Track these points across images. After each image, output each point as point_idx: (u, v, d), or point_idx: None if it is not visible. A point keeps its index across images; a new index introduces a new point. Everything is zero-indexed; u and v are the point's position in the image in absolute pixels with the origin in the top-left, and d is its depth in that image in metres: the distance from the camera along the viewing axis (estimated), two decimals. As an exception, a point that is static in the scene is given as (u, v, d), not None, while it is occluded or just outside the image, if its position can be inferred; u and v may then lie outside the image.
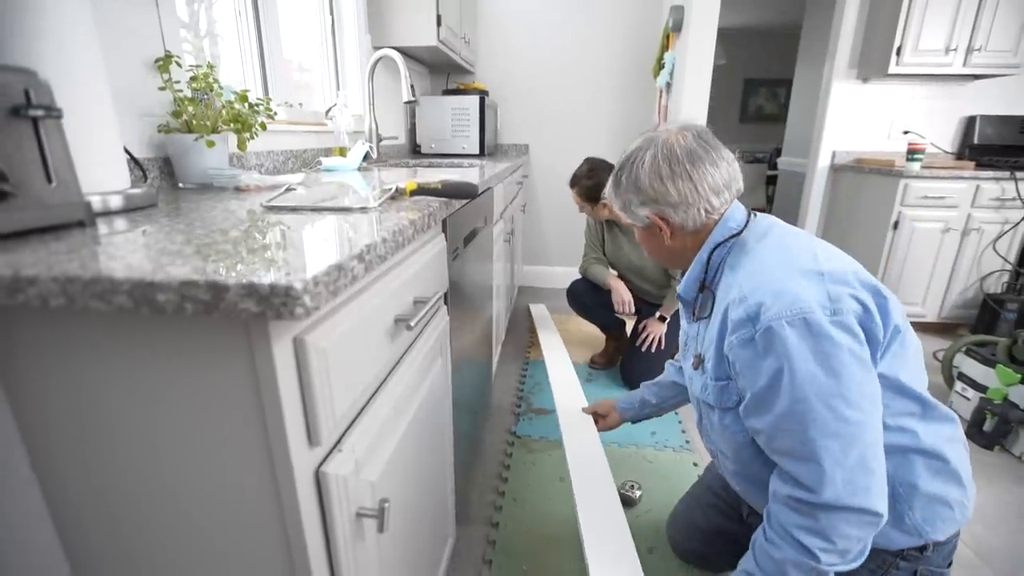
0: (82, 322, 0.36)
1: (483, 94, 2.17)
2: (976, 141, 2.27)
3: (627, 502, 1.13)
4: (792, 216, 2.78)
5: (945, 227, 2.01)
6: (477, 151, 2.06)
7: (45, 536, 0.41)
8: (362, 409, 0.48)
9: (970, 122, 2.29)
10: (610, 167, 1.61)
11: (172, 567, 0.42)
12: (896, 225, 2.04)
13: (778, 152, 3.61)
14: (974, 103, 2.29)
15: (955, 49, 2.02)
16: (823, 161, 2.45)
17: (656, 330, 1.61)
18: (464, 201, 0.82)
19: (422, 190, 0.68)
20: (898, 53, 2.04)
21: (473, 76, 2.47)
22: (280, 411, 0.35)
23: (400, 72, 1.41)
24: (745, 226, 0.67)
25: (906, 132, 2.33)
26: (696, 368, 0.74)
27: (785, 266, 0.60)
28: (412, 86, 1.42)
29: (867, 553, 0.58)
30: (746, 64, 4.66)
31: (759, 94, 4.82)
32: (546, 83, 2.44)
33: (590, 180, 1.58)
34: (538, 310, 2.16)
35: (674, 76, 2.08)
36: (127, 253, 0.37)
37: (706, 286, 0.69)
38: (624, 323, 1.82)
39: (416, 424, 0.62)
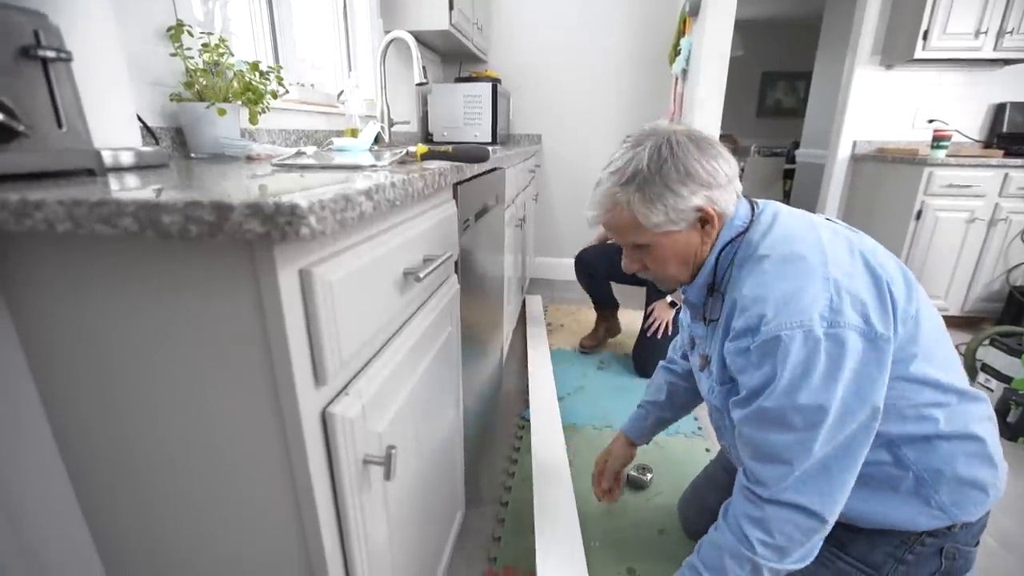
0: (89, 251, 0.35)
1: (496, 82, 2.16)
2: (1005, 129, 2.18)
3: (638, 485, 1.11)
4: (811, 208, 2.70)
5: (971, 217, 1.94)
6: (489, 139, 2.04)
7: (51, 463, 0.41)
8: (368, 361, 0.47)
9: (999, 109, 2.21)
10: None
11: (179, 503, 0.41)
12: (919, 215, 1.97)
13: (796, 146, 3.54)
14: (1004, 90, 2.20)
15: (985, 32, 1.94)
16: (843, 152, 2.39)
17: (664, 316, 1.58)
18: (475, 170, 0.80)
19: (433, 154, 0.67)
20: (924, 37, 1.98)
21: (486, 65, 2.45)
22: (286, 344, 0.34)
23: (412, 54, 1.40)
24: (751, 221, 0.62)
25: (931, 121, 2.26)
26: (703, 369, 0.72)
27: (788, 268, 0.56)
28: (424, 68, 1.41)
29: (811, 557, 0.57)
30: (764, 57, 4.57)
31: (777, 88, 4.72)
32: (559, 72, 2.42)
33: None
34: (532, 303, 2.16)
35: (690, 63, 2.04)
36: (136, 196, 0.37)
37: (716, 288, 0.65)
38: (617, 305, 1.81)
39: (424, 387, 0.61)
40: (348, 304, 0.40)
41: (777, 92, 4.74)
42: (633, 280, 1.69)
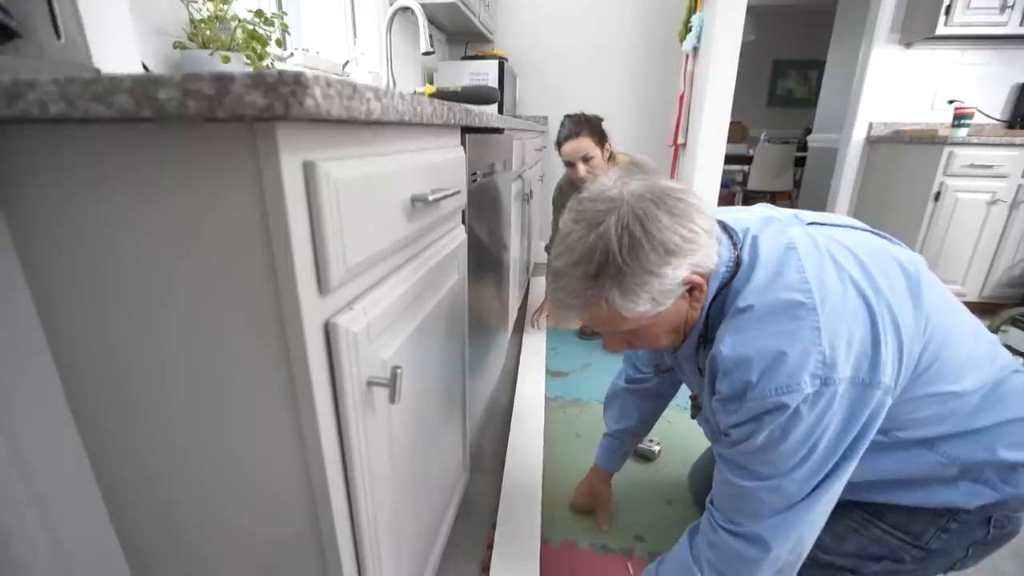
0: (82, 144, 0.33)
1: (503, 60, 2.13)
2: (1028, 110, 2.12)
3: (647, 456, 1.09)
4: (823, 194, 2.66)
5: (992, 198, 1.89)
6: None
7: (45, 372, 0.39)
8: (373, 286, 0.45)
9: (1023, 90, 2.15)
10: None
11: (172, 416, 0.40)
12: (937, 196, 1.92)
13: (808, 132, 3.47)
14: (1027, 70, 2.14)
15: (1012, 6, 1.88)
16: (858, 134, 2.34)
17: None
18: (484, 121, 0.78)
19: (441, 94, 0.65)
20: (947, 12, 1.92)
21: (492, 45, 2.42)
22: (288, 242, 0.32)
23: (419, 22, 1.38)
24: (735, 264, 0.55)
25: (951, 102, 2.20)
26: (693, 417, 0.69)
27: (773, 321, 0.50)
28: (431, 36, 1.38)
29: None
30: (776, 45, 4.49)
31: (789, 77, 4.64)
32: (567, 52, 2.38)
33: (589, 119, 1.44)
34: (537, 283, 2.14)
35: (701, 40, 2.00)
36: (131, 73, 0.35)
37: (708, 339, 0.59)
38: None
39: (430, 327, 0.59)
40: (353, 209, 0.38)
41: (788, 81, 4.66)
42: None
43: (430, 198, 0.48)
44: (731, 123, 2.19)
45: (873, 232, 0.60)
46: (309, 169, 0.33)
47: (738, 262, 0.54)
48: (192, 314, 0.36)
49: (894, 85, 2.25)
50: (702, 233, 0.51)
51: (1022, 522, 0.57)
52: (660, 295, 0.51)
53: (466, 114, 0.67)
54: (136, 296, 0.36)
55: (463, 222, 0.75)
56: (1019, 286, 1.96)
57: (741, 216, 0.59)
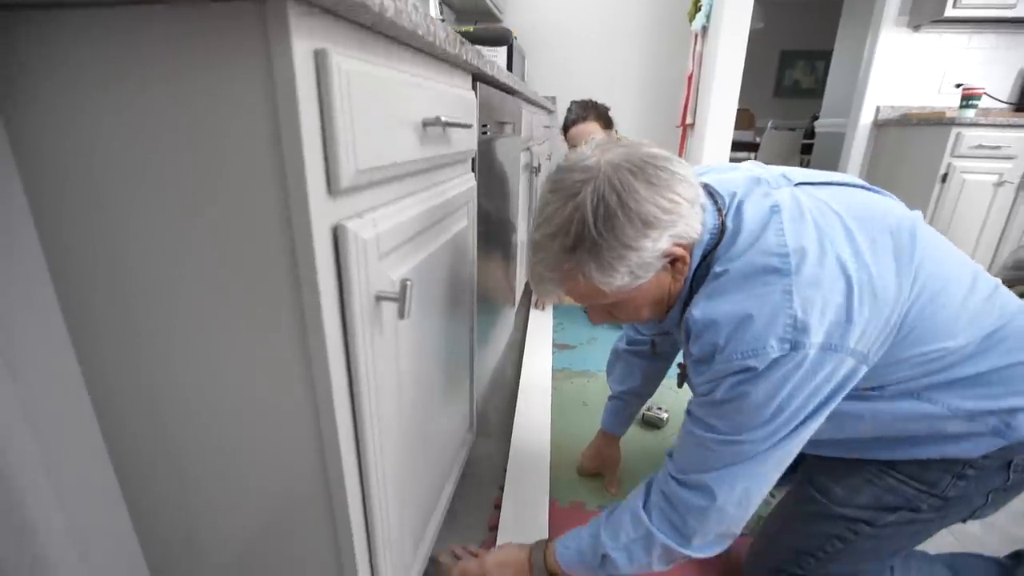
0: (80, 31, 0.32)
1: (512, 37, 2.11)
2: (1037, 95, 2.10)
3: (655, 424, 1.09)
4: (828, 180, 2.64)
5: (999, 180, 1.88)
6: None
7: (40, 281, 0.38)
8: (383, 204, 0.44)
9: (1031, 74, 2.13)
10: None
11: (174, 331, 0.38)
12: (945, 178, 1.91)
13: (815, 119, 3.45)
14: (1036, 53, 2.12)
15: (1021, -13, 1.86)
16: (865, 118, 2.32)
17: None
18: (495, 72, 0.77)
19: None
20: (956, -8, 1.90)
21: (501, 22, 2.40)
22: (297, 129, 0.31)
23: (426, -8, 1.36)
24: (720, 231, 0.53)
25: (958, 85, 2.18)
26: (681, 372, 0.68)
27: (744, 285, 0.49)
28: (441, 2, 1.37)
29: (714, 550, 0.56)
30: (783, 35, 4.46)
31: (796, 67, 4.61)
32: (575, 31, 2.36)
33: (596, 105, 1.47)
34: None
35: (711, 19, 1.97)
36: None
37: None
38: None
39: (437, 266, 0.58)
40: (364, 109, 0.36)
41: (795, 72, 4.63)
42: None
43: (443, 119, 0.47)
44: (739, 110, 2.17)
45: (868, 188, 0.58)
46: (321, 57, 0.32)
47: (723, 229, 0.52)
48: (195, 214, 0.35)
49: (902, 69, 2.23)
50: (684, 203, 0.49)
51: None
52: (639, 268, 0.49)
53: (478, 57, 0.65)
54: (136, 194, 0.35)
55: (473, 170, 0.74)
56: (1025, 270, 1.94)
57: (727, 178, 0.57)
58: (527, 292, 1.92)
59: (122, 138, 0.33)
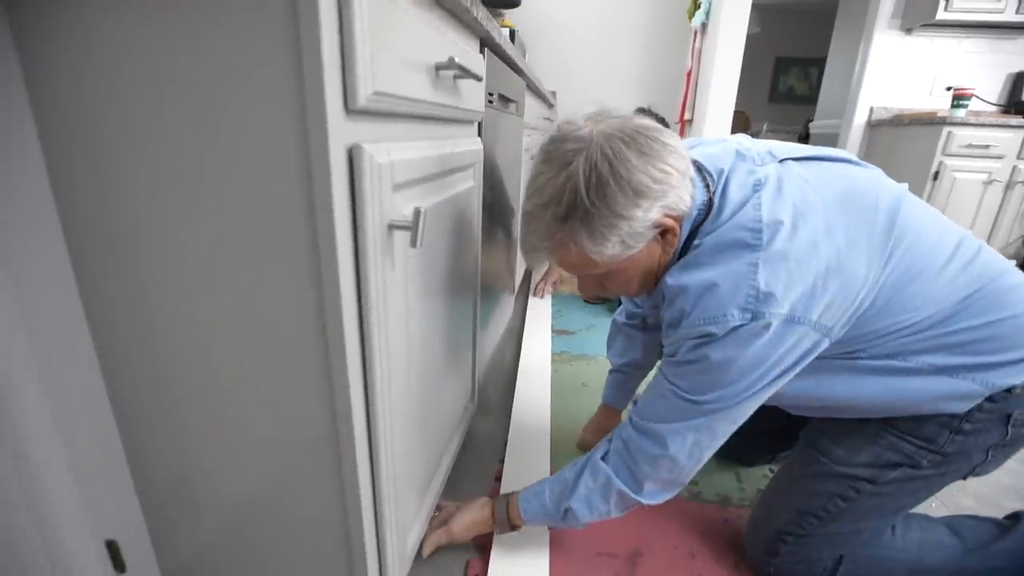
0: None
1: (512, 31, 2.13)
2: (1024, 98, 2.16)
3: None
4: (822, 180, 2.68)
5: (988, 179, 1.92)
6: (502, 87, 2.01)
7: (46, 213, 0.37)
8: (396, 139, 0.44)
9: (1018, 78, 2.19)
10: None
11: (179, 249, 0.38)
12: (936, 176, 1.95)
13: (809, 122, 3.51)
14: (1023, 59, 2.18)
15: (1010, -9, 1.92)
16: (860, 118, 2.37)
17: None
18: (500, 40, 0.77)
19: (460, -5, 0.64)
20: (947, -4, 1.95)
21: (501, 16, 2.42)
22: (318, 36, 0.31)
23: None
24: (708, 208, 0.53)
25: (949, 88, 2.23)
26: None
27: (716, 255, 0.50)
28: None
29: (663, 496, 0.59)
30: (779, 41, 4.54)
31: (790, 74, 4.69)
32: (576, 26, 2.39)
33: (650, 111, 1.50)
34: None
35: (710, 15, 2.01)
36: None
37: None
38: None
39: (444, 217, 0.58)
40: (382, 31, 0.36)
41: (790, 78, 4.71)
42: None
43: (456, 59, 0.47)
44: (735, 112, 2.21)
45: (853, 162, 0.59)
46: (340, -35, 0.32)
47: (710, 205, 0.53)
48: (209, 130, 0.34)
49: (894, 71, 2.28)
50: (675, 174, 0.49)
51: None
52: (630, 238, 0.50)
53: (488, 20, 0.66)
54: (147, 106, 0.34)
55: (479, 134, 0.74)
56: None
57: (715, 153, 0.58)
58: (526, 280, 1.92)
59: (136, 51, 0.33)
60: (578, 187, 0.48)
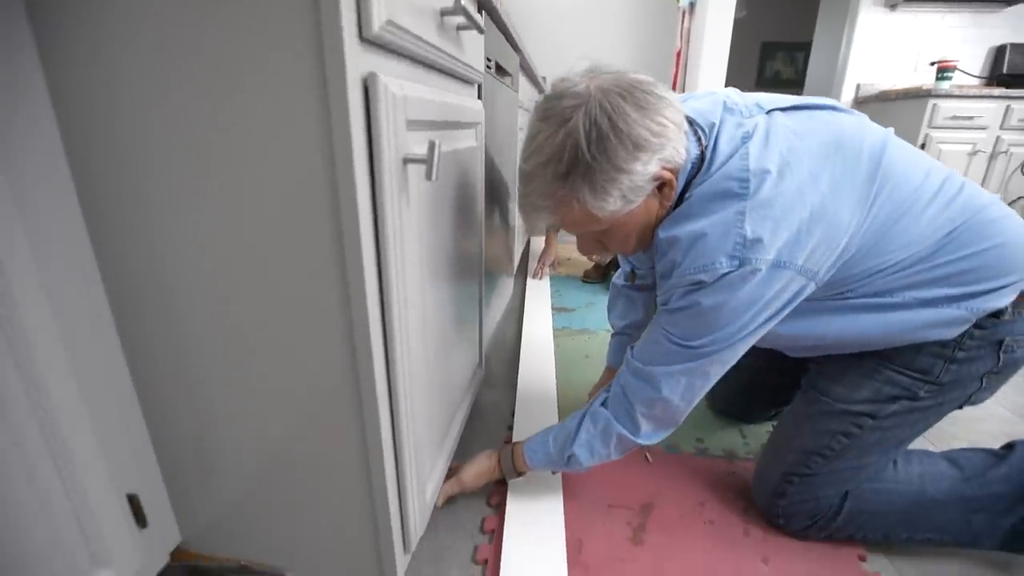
0: None
1: (499, 16, 2.13)
2: (1005, 71, 2.20)
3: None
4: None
5: (973, 149, 1.96)
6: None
7: (44, 113, 0.38)
8: (407, 79, 0.44)
9: (999, 51, 2.23)
10: None
11: (192, 185, 0.38)
12: (922, 147, 1.98)
13: (795, 106, 3.54)
14: (1005, 31, 2.22)
15: (989, -37, 1.95)
16: (847, 95, 2.40)
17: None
18: (501, 12, 0.78)
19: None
20: (929, -31, 1.98)
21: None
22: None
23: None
24: (700, 161, 0.54)
25: (933, 63, 2.27)
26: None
27: (705, 206, 0.52)
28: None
29: (661, 435, 0.62)
30: (764, 26, 4.57)
31: (776, 58, 4.73)
32: (564, 10, 2.39)
33: None
34: (536, 241, 2.14)
35: (696, -5, 2.02)
36: None
37: None
38: None
39: (451, 168, 0.59)
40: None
41: (776, 63, 4.74)
42: None
43: (462, 1, 0.48)
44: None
45: (838, 109, 0.59)
46: None
47: (702, 159, 0.54)
48: (222, 55, 0.34)
49: (879, 48, 2.31)
50: (671, 127, 0.50)
51: None
52: (631, 192, 0.51)
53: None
54: (157, 50, 0.35)
55: (479, 96, 0.75)
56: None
57: (705, 108, 0.58)
58: (523, 262, 1.93)
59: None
60: (579, 143, 0.48)
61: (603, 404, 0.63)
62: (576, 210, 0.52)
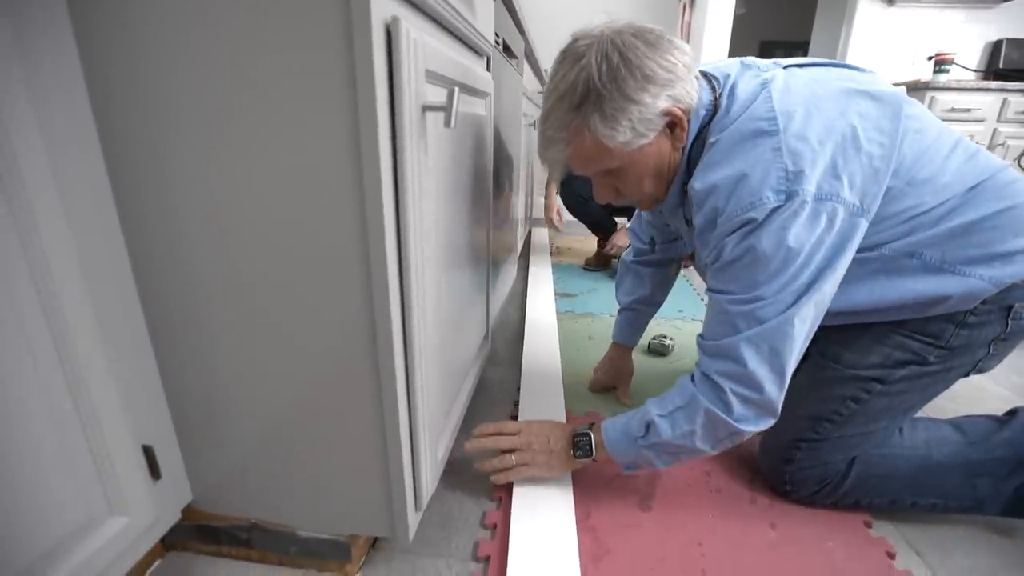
0: None
1: (501, 8, 2.14)
2: (1002, 65, 2.23)
3: (661, 351, 1.11)
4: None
5: (971, 141, 1.97)
6: (495, 62, 2.02)
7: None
8: (424, 32, 0.45)
9: (996, 46, 2.25)
10: None
11: (218, 129, 0.38)
12: (922, 141, 2.00)
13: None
14: (1001, 26, 2.25)
15: (987, -42, 1.97)
16: (844, 90, 2.41)
17: (622, 242, 1.62)
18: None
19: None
20: (927, -36, 2.00)
21: (490, -2, 2.43)
22: None
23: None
24: (714, 106, 0.56)
25: (930, 58, 2.29)
26: (686, 267, 0.72)
27: (736, 148, 0.52)
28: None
29: (761, 424, 0.56)
30: (763, 24, 4.60)
31: (775, 57, 4.74)
32: (565, 6, 2.40)
33: None
34: (539, 233, 2.15)
35: (697, -11, 2.04)
36: None
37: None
38: (615, 225, 1.78)
39: (462, 130, 0.59)
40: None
41: (773, 62, 4.78)
42: (609, 223, 1.73)
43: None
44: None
45: (854, 68, 0.60)
46: None
47: (716, 106, 0.56)
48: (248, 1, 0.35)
49: (877, 44, 2.33)
50: (680, 66, 0.53)
51: None
52: (640, 124, 0.53)
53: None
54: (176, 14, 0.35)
55: (487, 69, 0.75)
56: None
57: (719, 64, 0.61)
58: (526, 248, 1.94)
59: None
60: (591, 75, 0.51)
61: (692, 378, 0.59)
62: (588, 141, 0.54)
